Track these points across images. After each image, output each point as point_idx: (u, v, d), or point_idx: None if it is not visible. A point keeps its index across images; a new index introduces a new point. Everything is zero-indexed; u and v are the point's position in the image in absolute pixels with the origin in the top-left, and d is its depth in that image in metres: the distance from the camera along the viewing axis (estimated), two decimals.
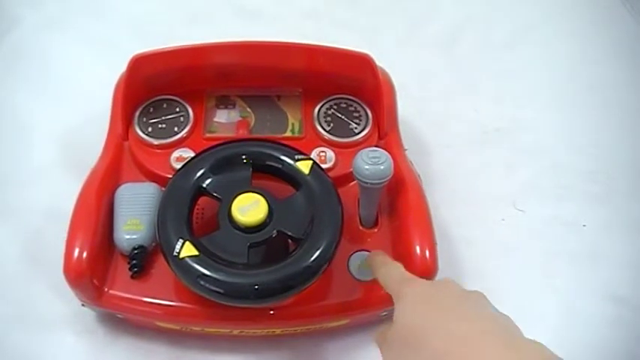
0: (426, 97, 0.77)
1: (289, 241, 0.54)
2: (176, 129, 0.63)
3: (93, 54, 0.81)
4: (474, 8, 0.89)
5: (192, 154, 0.59)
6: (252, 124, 0.64)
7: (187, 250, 0.51)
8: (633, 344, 0.61)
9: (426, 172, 0.64)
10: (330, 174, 0.58)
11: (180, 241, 0.51)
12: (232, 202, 0.53)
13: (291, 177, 0.56)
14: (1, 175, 0.69)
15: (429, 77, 0.80)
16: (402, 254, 0.55)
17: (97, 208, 0.56)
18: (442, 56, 0.83)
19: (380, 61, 0.63)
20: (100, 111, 0.64)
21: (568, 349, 0.60)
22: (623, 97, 0.80)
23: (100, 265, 0.55)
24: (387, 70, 0.65)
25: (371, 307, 0.56)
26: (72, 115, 0.74)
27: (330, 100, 0.66)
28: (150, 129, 0.63)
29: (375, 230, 0.59)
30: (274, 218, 0.53)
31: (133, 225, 0.56)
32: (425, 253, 0.54)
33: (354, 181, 0.55)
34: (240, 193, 0.53)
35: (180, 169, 0.56)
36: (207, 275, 0.50)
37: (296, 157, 0.56)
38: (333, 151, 0.62)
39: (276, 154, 0.57)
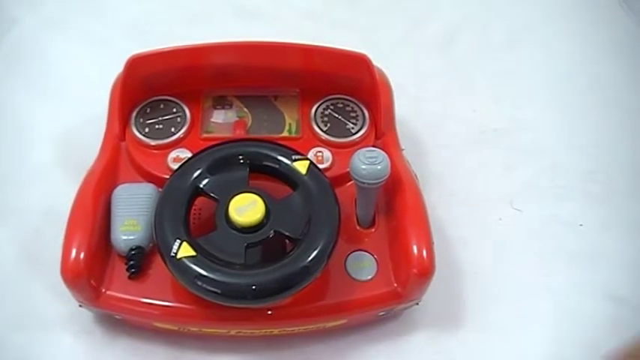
0: (423, 97, 0.77)
1: (286, 241, 0.54)
2: (173, 129, 0.63)
3: (91, 54, 0.81)
4: (472, 8, 0.89)
5: (190, 155, 0.59)
6: (249, 124, 0.64)
7: (184, 250, 0.51)
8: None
9: (424, 172, 0.64)
10: (327, 174, 0.58)
11: (178, 241, 0.51)
12: (229, 202, 0.53)
13: (288, 177, 0.56)
14: None
15: (427, 77, 0.80)
16: (399, 254, 0.56)
17: (94, 209, 0.56)
18: (440, 56, 0.83)
19: (378, 61, 0.63)
20: (98, 111, 0.64)
21: (566, 349, 0.60)
22: (622, 97, 0.80)
23: (97, 265, 0.55)
24: (385, 70, 0.65)
25: (369, 306, 0.56)
26: (70, 115, 0.74)
27: (327, 101, 0.66)
28: (147, 129, 0.63)
29: (373, 230, 0.59)
30: (271, 218, 0.53)
31: (130, 226, 0.55)
32: (422, 252, 0.54)
33: (351, 181, 0.55)
34: (237, 194, 0.53)
35: (177, 169, 0.56)
36: (204, 276, 0.50)
37: (293, 157, 0.56)
38: (330, 151, 0.62)
39: (273, 154, 0.57)
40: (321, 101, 0.65)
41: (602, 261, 0.65)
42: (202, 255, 0.51)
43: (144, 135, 0.62)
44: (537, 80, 0.81)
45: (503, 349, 0.59)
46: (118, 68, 0.62)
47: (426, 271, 0.54)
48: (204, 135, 0.63)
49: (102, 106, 0.63)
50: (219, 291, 0.50)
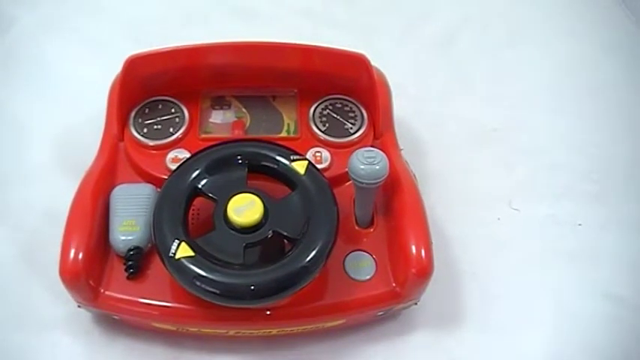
0: (422, 97, 0.77)
1: (285, 241, 0.54)
2: (171, 130, 0.63)
3: (89, 54, 0.81)
4: (471, 8, 0.89)
5: (188, 155, 0.59)
6: (248, 124, 0.64)
7: (183, 250, 0.51)
8: (630, 343, 0.61)
9: (422, 172, 0.64)
10: (326, 174, 0.58)
11: (176, 241, 0.51)
12: (228, 202, 0.53)
13: (287, 177, 0.56)
14: None
15: (426, 77, 0.80)
16: (398, 254, 0.56)
17: (92, 209, 0.56)
18: (439, 56, 0.83)
19: (376, 61, 0.63)
20: (96, 112, 0.64)
21: (564, 349, 0.60)
22: (621, 98, 0.80)
23: (95, 266, 0.55)
24: (384, 69, 0.65)
25: (367, 307, 0.56)
26: (68, 116, 0.73)
27: (325, 101, 0.66)
28: (145, 130, 0.63)
29: (371, 230, 0.59)
30: (270, 219, 0.53)
31: (128, 226, 0.55)
32: (421, 252, 0.54)
33: (350, 181, 0.55)
34: (235, 194, 0.53)
35: (175, 169, 0.56)
36: (203, 276, 0.50)
37: (291, 157, 0.56)
38: (329, 151, 0.62)
39: (271, 154, 0.57)
40: (320, 101, 0.65)
41: (601, 260, 0.65)
42: (201, 255, 0.51)
43: (142, 135, 0.62)
44: (536, 80, 0.81)
45: (502, 349, 0.59)
46: (116, 68, 0.62)
47: (424, 271, 0.54)
48: (203, 135, 0.63)
49: (100, 106, 0.63)
50: (217, 291, 0.50)
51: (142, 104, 0.64)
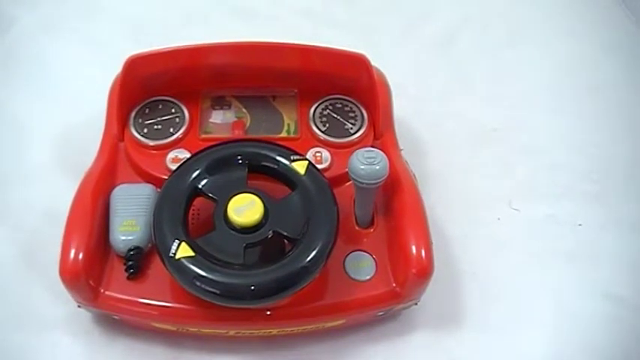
0: (422, 97, 0.77)
1: (285, 241, 0.54)
2: (172, 130, 0.63)
3: (89, 54, 0.81)
4: (471, 8, 0.89)
5: (188, 155, 0.59)
6: (248, 124, 0.64)
7: (183, 250, 0.51)
8: (630, 343, 0.61)
9: (422, 172, 0.64)
10: (326, 174, 0.58)
11: (176, 241, 0.51)
12: (228, 202, 0.53)
13: (287, 177, 0.56)
14: None
15: (426, 77, 0.80)
16: (398, 254, 0.56)
17: (92, 210, 0.56)
18: (439, 56, 0.83)
19: (376, 61, 0.63)
20: (96, 112, 0.64)
21: (564, 349, 0.60)
22: (621, 98, 0.80)
23: (95, 266, 0.55)
24: (384, 69, 0.65)
25: (367, 307, 0.56)
26: (68, 116, 0.73)
27: (325, 101, 0.66)
28: (145, 130, 0.63)
29: (371, 230, 0.59)
30: (270, 219, 0.53)
31: (128, 226, 0.55)
32: (421, 252, 0.54)
33: (350, 182, 0.55)
34: (235, 194, 0.53)
35: (175, 170, 0.56)
36: (203, 276, 0.50)
37: (291, 157, 0.56)
38: (329, 151, 0.62)
39: (271, 154, 0.57)
40: (320, 101, 0.65)
41: (601, 260, 0.65)
42: (201, 255, 0.51)
43: (142, 135, 0.62)
44: (536, 80, 0.81)
45: (502, 349, 0.59)
46: (116, 68, 0.62)
47: (424, 271, 0.54)
48: (203, 135, 0.63)
49: (100, 106, 0.63)
50: (217, 291, 0.50)
51: (142, 104, 0.64)
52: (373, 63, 0.63)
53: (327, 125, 0.64)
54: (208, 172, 0.55)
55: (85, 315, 0.59)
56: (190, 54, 0.62)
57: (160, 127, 0.63)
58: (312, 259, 0.51)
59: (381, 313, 0.58)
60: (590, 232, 0.67)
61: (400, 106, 0.66)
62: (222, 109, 0.65)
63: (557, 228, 0.67)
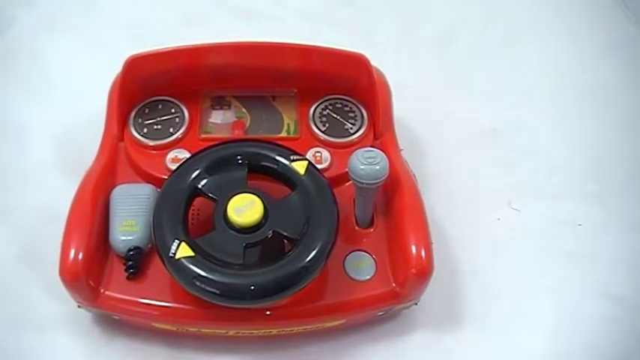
0: (421, 96, 0.77)
1: (285, 241, 0.54)
2: (171, 130, 0.63)
3: (88, 54, 0.81)
4: (471, 8, 0.89)
5: (188, 155, 0.59)
6: (248, 124, 0.64)
7: (183, 250, 0.51)
8: (630, 343, 0.61)
9: (422, 172, 0.64)
10: (326, 174, 0.58)
11: (176, 241, 0.51)
12: (228, 202, 0.53)
13: (287, 177, 0.56)
14: None
15: (425, 77, 0.80)
16: (398, 254, 0.56)
17: (92, 210, 0.56)
18: (438, 56, 0.83)
19: (376, 61, 0.63)
20: (96, 112, 0.64)
21: (564, 349, 0.60)
22: (621, 97, 0.80)
23: (95, 266, 0.55)
24: (383, 69, 0.65)
25: (367, 307, 0.56)
26: (67, 116, 0.73)
27: (325, 101, 0.66)
28: (145, 130, 0.63)
29: (371, 230, 0.59)
30: (270, 219, 0.53)
31: (128, 226, 0.55)
32: (420, 252, 0.54)
33: (350, 182, 0.56)
34: (235, 194, 0.53)
35: (175, 170, 0.56)
36: (202, 276, 0.50)
37: (291, 157, 0.56)
38: (329, 151, 0.62)
39: (271, 154, 0.57)
40: (320, 101, 0.65)
41: (601, 261, 0.65)
42: (201, 255, 0.51)
43: (142, 135, 0.62)
44: (536, 80, 0.81)
45: (502, 349, 0.59)
46: (115, 68, 0.62)
47: (424, 271, 0.54)
48: (203, 135, 0.63)
49: (100, 106, 0.63)
50: (217, 291, 0.50)
51: (142, 104, 0.64)
52: (373, 63, 0.63)
53: (327, 125, 0.64)
54: (208, 172, 0.55)
55: (84, 315, 0.59)
56: (190, 54, 0.62)
57: (159, 127, 0.63)
58: (312, 259, 0.51)
59: (381, 313, 0.58)
60: (590, 232, 0.67)
61: (400, 106, 0.66)
62: (222, 109, 0.65)
63: (558, 228, 0.67)
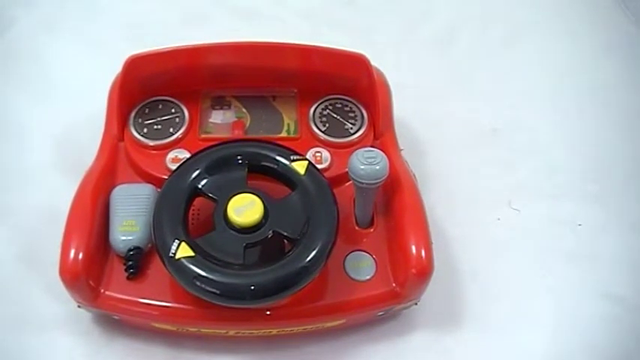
0: (422, 96, 0.77)
1: (285, 241, 0.54)
2: (171, 130, 0.63)
3: (88, 55, 0.81)
4: (470, 8, 0.89)
5: (188, 155, 0.59)
6: (248, 124, 0.64)
7: (183, 250, 0.51)
8: (630, 343, 0.61)
9: (422, 172, 0.64)
10: (326, 174, 0.58)
11: (176, 241, 0.51)
12: (228, 202, 0.53)
13: (287, 177, 0.56)
14: None
15: (425, 77, 0.80)
16: (398, 254, 0.56)
17: (92, 210, 0.56)
18: (438, 56, 0.83)
19: (376, 61, 0.63)
20: (96, 112, 0.64)
21: (564, 349, 0.60)
22: (620, 97, 0.80)
23: (95, 266, 0.55)
24: (384, 70, 0.65)
25: (367, 307, 0.56)
26: (67, 116, 0.73)
27: (325, 101, 0.66)
28: (145, 130, 0.63)
29: (371, 230, 0.59)
30: (270, 219, 0.53)
31: (128, 226, 0.55)
32: (421, 252, 0.54)
33: (350, 182, 0.56)
34: (235, 194, 0.53)
35: (175, 169, 0.56)
36: (203, 276, 0.50)
37: (291, 157, 0.56)
38: (329, 151, 0.62)
39: (271, 154, 0.57)
40: (320, 101, 0.65)
41: (601, 261, 0.65)
42: (201, 255, 0.51)
43: (142, 135, 0.62)
44: (536, 80, 0.81)
45: (502, 349, 0.59)
46: (115, 68, 0.62)
47: (424, 271, 0.54)
48: (203, 135, 0.63)
49: (100, 106, 0.63)
50: (217, 291, 0.50)
51: (142, 104, 0.64)
52: (373, 63, 0.63)
53: (327, 125, 0.64)
54: (208, 172, 0.55)
55: (84, 315, 0.59)
56: (190, 54, 0.62)
57: (159, 127, 0.63)
58: (312, 259, 0.51)
59: (381, 313, 0.58)
60: (590, 232, 0.67)
61: (400, 106, 0.66)
62: (222, 109, 0.65)
63: (558, 228, 0.67)
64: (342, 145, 0.63)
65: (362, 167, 0.53)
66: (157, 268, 0.54)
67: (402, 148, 0.64)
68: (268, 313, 0.54)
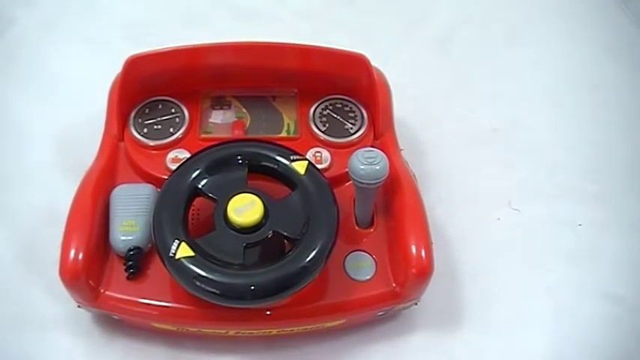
0: (421, 96, 0.77)
1: (285, 241, 0.54)
2: (171, 130, 0.63)
3: (88, 54, 0.81)
4: (471, 8, 0.89)
5: (188, 155, 0.59)
6: (248, 124, 0.64)
7: (183, 250, 0.51)
8: (630, 343, 0.61)
9: (422, 172, 0.64)
10: (326, 174, 0.58)
11: (176, 241, 0.51)
12: (228, 202, 0.53)
13: (287, 177, 0.56)
14: None
15: (425, 77, 0.80)
16: (398, 254, 0.56)
17: (92, 210, 0.56)
18: (438, 56, 0.83)
19: (376, 61, 0.63)
20: (96, 112, 0.64)
21: (564, 349, 0.60)
22: (620, 97, 0.80)
23: (95, 266, 0.55)
24: (383, 69, 0.65)
25: (367, 307, 0.56)
26: (67, 116, 0.73)
27: (325, 101, 0.66)
28: (145, 130, 0.63)
29: (371, 230, 0.59)
30: (270, 219, 0.53)
31: (128, 226, 0.55)
32: (421, 252, 0.54)
33: (350, 182, 0.55)
34: (235, 194, 0.53)
35: (175, 170, 0.56)
36: (203, 276, 0.50)
37: (291, 157, 0.56)
38: (329, 151, 0.62)
39: (271, 154, 0.57)
40: (320, 101, 0.65)
41: (601, 260, 0.65)
42: (201, 255, 0.51)
43: (142, 135, 0.62)
44: (536, 80, 0.81)
45: (502, 349, 0.59)
46: (115, 68, 0.62)
47: (424, 271, 0.54)
48: (203, 135, 0.63)
49: (100, 106, 0.63)
50: (217, 291, 0.50)
51: (142, 104, 0.64)
52: (373, 63, 0.63)
53: (327, 125, 0.64)
54: (208, 172, 0.55)
55: (84, 315, 0.59)
56: (190, 54, 0.62)
57: (159, 127, 0.63)
58: (312, 259, 0.51)
59: (381, 313, 0.58)
60: (590, 232, 0.67)
61: (400, 106, 0.66)
62: (222, 109, 0.65)
63: (558, 228, 0.67)
64: (342, 145, 0.63)
65: (362, 167, 0.53)
66: (157, 268, 0.54)
67: (402, 148, 0.64)
68: (268, 313, 0.54)
